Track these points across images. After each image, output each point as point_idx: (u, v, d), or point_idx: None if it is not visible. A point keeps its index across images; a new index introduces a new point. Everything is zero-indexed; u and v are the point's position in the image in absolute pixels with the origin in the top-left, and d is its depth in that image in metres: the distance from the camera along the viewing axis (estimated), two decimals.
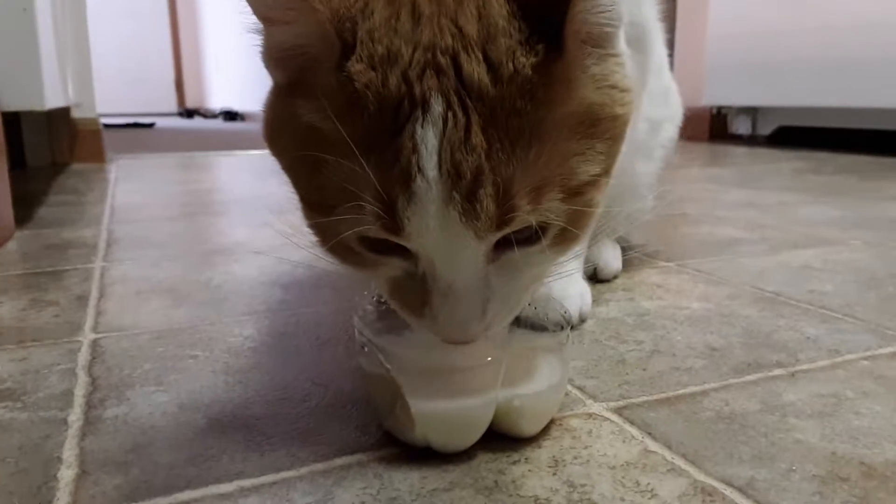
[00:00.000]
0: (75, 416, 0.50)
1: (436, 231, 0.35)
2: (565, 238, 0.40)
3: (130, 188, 1.71)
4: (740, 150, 2.59)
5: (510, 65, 0.35)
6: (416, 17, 0.36)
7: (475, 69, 0.35)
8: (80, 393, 0.53)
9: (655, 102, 0.80)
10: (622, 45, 0.41)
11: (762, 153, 2.46)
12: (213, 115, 5.88)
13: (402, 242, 0.37)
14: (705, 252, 0.98)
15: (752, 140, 2.96)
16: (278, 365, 0.58)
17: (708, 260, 0.93)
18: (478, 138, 0.34)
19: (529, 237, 0.38)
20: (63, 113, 2.12)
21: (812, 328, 0.66)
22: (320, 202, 0.39)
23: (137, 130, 4.16)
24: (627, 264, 0.88)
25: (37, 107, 1.16)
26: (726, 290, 0.79)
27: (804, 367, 0.57)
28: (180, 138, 3.57)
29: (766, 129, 2.96)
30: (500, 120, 0.35)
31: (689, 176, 1.87)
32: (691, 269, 0.88)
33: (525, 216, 0.36)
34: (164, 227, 1.19)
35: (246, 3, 0.36)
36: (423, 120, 0.34)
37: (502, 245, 0.38)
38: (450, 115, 0.34)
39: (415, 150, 0.34)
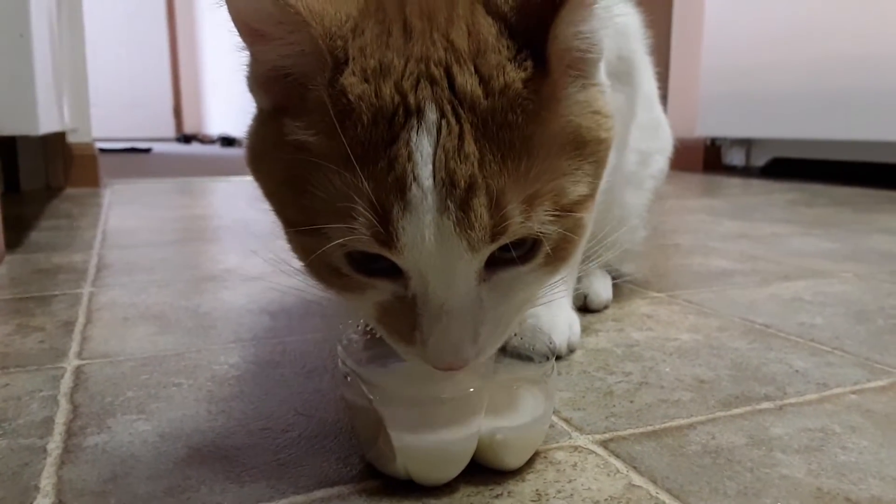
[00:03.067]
0: (54, 444, 0.49)
1: (430, 242, 0.35)
2: (555, 257, 0.40)
3: (123, 213, 1.71)
4: (734, 182, 2.61)
5: (501, 78, 0.36)
6: (407, 33, 0.37)
7: (468, 80, 0.35)
8: (60, 420, 0.53)
9: (645, 134, 0.80)
10: (602, 76, 0.42)
11: (756, 184, 2.48)
12: (211, 141, 5.91)
13: (394, 258, 0.37)
14: (696, 283, 0.98)
15: (746, 171, 2.98)
16: (262, 394, 0.57)
17: (699, 291, 0.93)
18: (471, 147, 0.35)
19: (521, 255, 0.38)
20: (58, 138, 2.12)
21: (801, 361, 0.66)
22: (307, 222, 0.39)
23: (134, 155, 4.17)
24: (618, 294, 0.87)
25: (31, 132, 1.17)
26: (716, 321, 0.79)
27: (792, 400, 0.57)
28: (177, 163, 3.58)
29: (760, 161, 2.98)
30: (492, 131, 0.35)
31: (683, 207, 1.88)
32: (682, 300, 0.88)
33: (518, 227, 0.36)
34: (155, 252, 1.19)
35: (233, 23, 0.37)
36: (419, 127, 0.35)
37: (493, 265, 0.38)
38: (444, 122, 0.35)
39: (410, 157, 0.35)
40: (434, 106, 0.35)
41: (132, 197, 2.05)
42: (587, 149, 0.39)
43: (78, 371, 0.63)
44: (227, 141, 5.32)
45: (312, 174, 0.37)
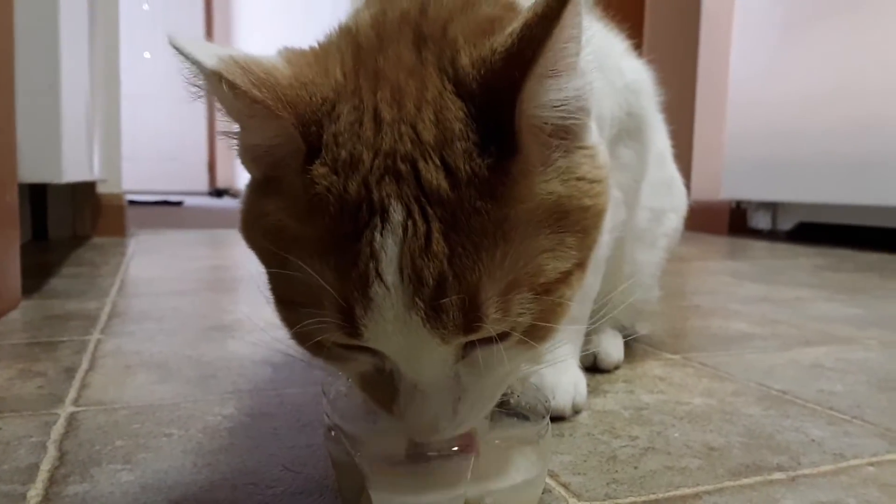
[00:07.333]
0: (35, 492, 0.48)
1: (396, 336, 0.35)
2: (535, 335, 0.38)
3: (145, 262, 1.73)
4: (760, 245, 2.57)
5: (467, 167, 0.34)
6: (378, 123, 0.36)
7: (433, 175, 0.34)
8: (45, 468, 0.52)
9: (658, 192, 0.79)
10: (594, 137, 0.41)
11: (782, 248, 2.44)
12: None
13: (364, 345, 0.36)
14: (714, 346, 0.95)
15: (772, 235, 2.94)
16: (252, 447, 0.56)
17: (715, 354, 0.90)
18: (439, 245, 0.34)
19: (499, 335, 0.37)
20: (88, 188, 2.17)
21: (818, 430, 0.62)
22: (289, 299, 0.39)
23: (165, 208, 4.25)
24: (631, 355, 0.85)
25: (55, 179, 1.19)
26: (731, 386, 0.76)
27: (806, 471, 0.53)
28: (206, 216, 3.64)
29: (786, 225, 2.94)
30: (462, 223, 0.34)
31: (705, 269, 1.85)
32: (697, 363, 0.85)
33: (493, 323, 0.35)
34: (168, 301, 1.19)
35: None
36: (382, 227, 0.34)
37: (469, 343, 0.37)
38: (409, 223, 0.34)
39: (373, 255, 0.34)
40: (399, 205, 0.34)
41: (156, 247, 2.07)
42: (569, 219, 0.37)
43: (71, 418, 0.62)
44: None
45: (291, 253, 0.37)
